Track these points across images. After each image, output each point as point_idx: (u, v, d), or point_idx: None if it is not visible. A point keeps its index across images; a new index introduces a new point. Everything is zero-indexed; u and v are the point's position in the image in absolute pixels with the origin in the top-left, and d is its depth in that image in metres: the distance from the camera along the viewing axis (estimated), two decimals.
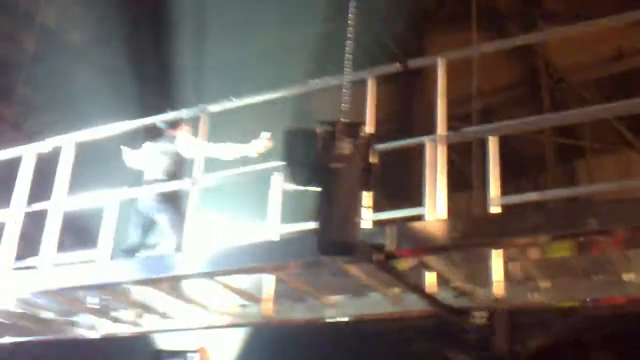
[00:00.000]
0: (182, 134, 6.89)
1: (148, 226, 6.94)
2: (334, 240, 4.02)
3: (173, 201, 6.71)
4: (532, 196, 5.21)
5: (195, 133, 6.50)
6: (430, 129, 5.23)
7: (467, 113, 8.07)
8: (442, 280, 5.24)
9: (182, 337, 7.10)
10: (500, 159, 5.04)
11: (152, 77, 11.77)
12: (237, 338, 7.68)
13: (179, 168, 6.83)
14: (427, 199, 5.08)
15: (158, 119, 6.54)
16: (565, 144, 9.68)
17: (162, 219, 6.76)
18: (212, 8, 10.96)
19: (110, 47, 12.85)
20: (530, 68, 10.71)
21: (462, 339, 8.67)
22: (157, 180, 6.78)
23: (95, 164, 8.24)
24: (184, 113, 6.43)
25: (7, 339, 7.81)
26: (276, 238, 5.83)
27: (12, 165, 6.89)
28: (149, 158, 7.04)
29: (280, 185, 5.85)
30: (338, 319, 6.15)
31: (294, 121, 4.57)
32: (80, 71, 12.90)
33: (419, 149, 5.25)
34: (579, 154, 9.69)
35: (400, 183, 5.41)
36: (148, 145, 7.10)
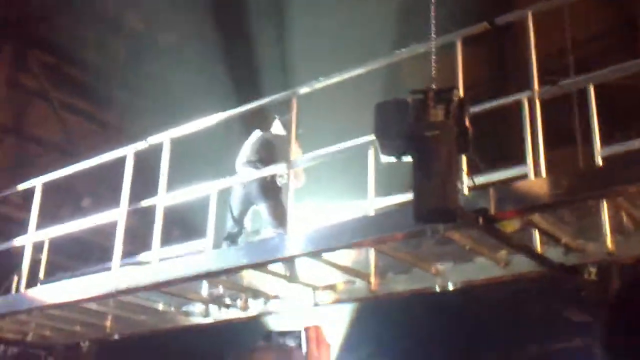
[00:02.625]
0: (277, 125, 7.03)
1: (245, 213, 7.06)
2: (434, 208, 3.96)
3: (272, 187, 6.80)
4: (636, 144, 4.98)
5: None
6: (525, 87, 5.10)
7: (562, 66, 7.79)
8: (550, 239, 5.11)
9: (292, 318, 7.18)
10: (602, 110, 4.87)
11: (244, 68, 11.90)
12: (345, 314, 7.73)
13: (274, 155, 6.91)
14: (528, 158, 4.97)
15: (252, 107, 6.60)
16: None
17: (263, 206, 6.87)
18: None
19: (198, 44, 13.05)
20: (625, 15, 10.26)
21: (579, 296, 8.44)
22: (254, 166, 6.90)
23: (194, 158, 8.43)
24: (275, 98, 6.47)
25: (123, 333, 8.11)
26: (374, 212, 5.83)
27: (117, 169, 7.11)
28: (250, 144, 7.17)
29: (375, 159, 5.84)
30: (445, 288, 6.09)
31: (385, 94, 4.49)
32: (172, 71, 13.18)
33: (517, 109, 5.13)
34: None
35: (499, 145, 5.27)
36: (259, 134, 7.25)
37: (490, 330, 8.92)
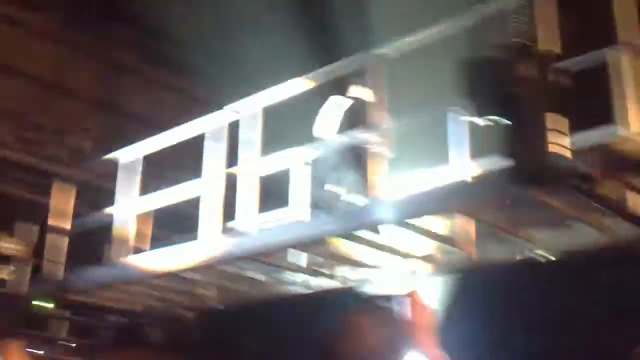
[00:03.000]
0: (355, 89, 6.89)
1: (336, 181, 6.99)
2: (529, 171, 3.80)
3: (360, 152, 6.70)
4: None
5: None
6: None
7: None
8: None
9: (390, 287, 7.12)
10: None
11: (323, 30, 11.77)
12: (438, 284, 7.60)
13: (360, 120, 6.81)
14: (624, 115, 4.71)
15: (332, 69, 6.50)
16: None
17: (352, 173, 6.77)
18: None
19: (281, 9, 12.98)
20: None
21: None
22: (339, 131, 6.81)
23: (283, 126, 8.41)
24: (355, 60, 6.36)
25: (220, 305, 8.26)
26: (468, 178, 5.67)
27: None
28: (331, 110, 7.08)
29: (462, 122, 5.67)
30: (542, 256, 5.89)
31: (469, 52, 4.32)
32: (258, 40, 13.17)
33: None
34: None
35: (590, 104, 4.98)
36: (336, 99, 7.16)
37: (589, 300, 8.59)
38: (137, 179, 7.95)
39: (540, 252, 5.83)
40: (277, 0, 12.83)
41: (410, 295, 1.97)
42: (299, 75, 6.69)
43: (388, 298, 1.99)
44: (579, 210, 5.14)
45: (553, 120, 4.00)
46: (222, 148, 6.93)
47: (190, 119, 7.52)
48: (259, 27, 13.44)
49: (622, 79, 4.50)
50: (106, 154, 8.76)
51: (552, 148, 3.85)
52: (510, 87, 3.78)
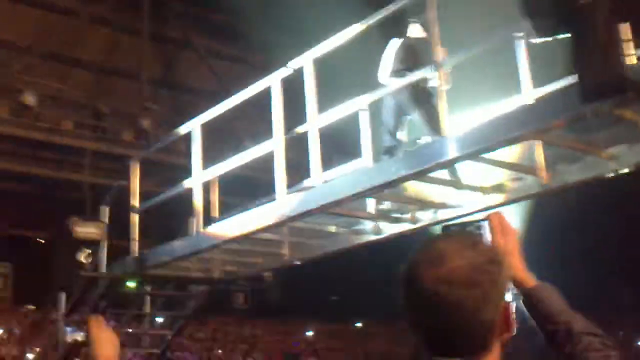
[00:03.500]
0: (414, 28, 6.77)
1: (399, 125, 6.94)
2: (602, 81, 3.68)
3: (423, 93, 6.63)
4: None
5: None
6: None
7: None
8: None
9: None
10: None
11: None
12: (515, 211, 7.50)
13: (419, 59, 6.72)
14: None
15: (386, 13, 6.37)
16: None
17: (416, 114, 6.72)
18: None
19: None
20: None
21: None
22: (400, 75, 6.74)
23: (339, 79, 8.34)
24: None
25: (301, 258, 8.33)
26: (531, 101, 5.55)
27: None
28: (390, 54, 7.00)
29: (524, 44, 5.53)
30: (620, 172, 5.73)
31: None
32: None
33: None
34: None
35: None
36: (402, 41, 7.05)
37: None
38: (199, 149, 7.96)
39: (615, 168, 5.66)
40: None
41: (492, 217, 1.91)
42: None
43: (468, 223, 1.93)
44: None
45: (620, 28, 3.87)
46: (279, 107, 6.89)
47: (246, 86, 7.50)
48: None
49: None
50: (169, 130, 8.84)
51: (622, 56, 3.72)
52: (574, 0, 3.65)
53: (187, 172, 8.35)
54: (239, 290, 9.56)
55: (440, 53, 5.80)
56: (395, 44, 7.10)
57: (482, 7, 6.31)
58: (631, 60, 4.20)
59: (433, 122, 6.45)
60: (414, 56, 6.78)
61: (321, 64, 6.66)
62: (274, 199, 6.90)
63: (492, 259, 1.71)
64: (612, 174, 5.76)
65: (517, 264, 1.92)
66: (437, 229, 7.41)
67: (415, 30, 7.12)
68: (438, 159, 5.71)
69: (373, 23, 6.32)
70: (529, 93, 5.64)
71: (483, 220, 1.99)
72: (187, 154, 13.40)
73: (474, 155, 5.67)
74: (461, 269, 1.65)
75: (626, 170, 5.69)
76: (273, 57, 14.70)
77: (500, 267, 1.70)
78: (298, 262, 8.31)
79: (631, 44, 4.25)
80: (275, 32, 13.89)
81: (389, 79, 6.93)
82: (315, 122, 6.59)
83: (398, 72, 6.86)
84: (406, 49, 6.92)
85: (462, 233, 1.91)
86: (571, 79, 5.65)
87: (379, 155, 6.79)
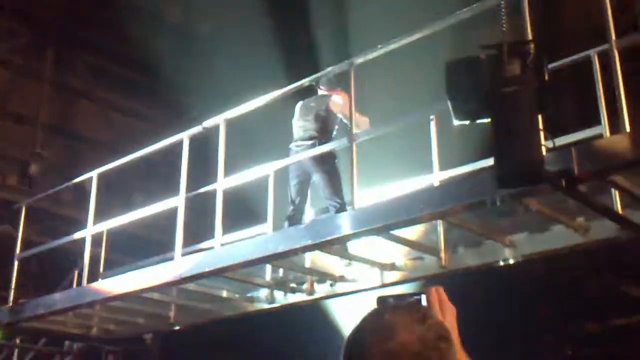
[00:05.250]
0: (338, 94, 6.76)
1: (304, 189, 6.85)
2: (517, 170, 3.74)
3: (330, 159, 6.59)
4: None
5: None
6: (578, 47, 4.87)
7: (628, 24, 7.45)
8: (634, 200, 4.84)
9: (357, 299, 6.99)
10: None
11: (293, 47, 11.73)
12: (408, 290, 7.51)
13: (329, 126, 6.72)
14: (603, 115, 4.77)
15: (304, 81, 6.39)
16: None
17: (318, 177, 6.64)
18: None
19: (236, 30, 12.93)
20: None
21: (637, 270, 8.14)
22: (311, 138, 6.68)
23: (249, 142, 8.27)
24: (332, 70, 6.27)
25: (187, 323, 8.03)
26: (439, 183, 5.64)
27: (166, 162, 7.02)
28: (300, 116, 6.95)
29: (436, 128, 5.65)
30: (518, 259, 5.84)
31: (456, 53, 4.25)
32: (215, 61, 13.08)
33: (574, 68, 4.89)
34: None
35: (575, 104, 5.03)
36: (300, 104, 7.02)
37: (546, 306, 8.67)
38: (94, 201, 7.64)
39: (514, 255, 5.78)
40: (234, 21, 12.75)
41: (430, 292, 1.84)
42: (261, 93, 6.55)
43: (405, 296, 1.85)
44: (556, 211, 5.14)
45: (539, 119, 3.96)
46: (186, 164, 6.73)
47: (143, 141, 7.33)
48: (218, 48, 13.33)
49: (611, 77, 4.48)
50: (60, 178, 8.50)
51: (538, 147, 3.79)
52: (497, 84, 3.72)
53: (70, 222, 8.01)
54: (112, 351, 9.13)
55: (362, 124, 5.80)
56: (300, 107, 7.00)
57: (402, 82, 6.41)
58: (543, 151, 4.33)
59: (333, 186, 6.42)
60: (326, 123, 6.74)
61: (235, 124, 6.58)
62: (168, 259, 6.65)
63: (441, 335, 1.63)
64: (511, 261, 5.86)
65: (456, 338, 1.85)
66: (332, 302, 7.36)
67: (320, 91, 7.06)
68: (340, 233, 5.65)
69: (290, 90, 6.31)
70: (437, 174, 5.73)
71: (420, 293, 1.91)
72: (73, 204, 12.95)
73: (376, 231, 5.64)
74: (411, 344, 1.56)
75: (515, 261, 5.82)
76: (173, 114, 14.58)
77: (449, 345, 1.63)
78: (178, 327, 8.01)
79: (547, 134, 4.40)
80: (177, 89, 13.77)
81: (296, 147, 6.84)
82: (222, 183, 6.44)
83: (305, 140, 6.77)
84: (322, 113, 6.83)
85: (409, 306, 1.82)
86: (480, 163, 5.85)
87: (281, 223, 6.69)
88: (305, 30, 11.57)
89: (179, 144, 6.84)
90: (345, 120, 6.55)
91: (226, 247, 6.36)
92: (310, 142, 6.62)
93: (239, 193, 6.75)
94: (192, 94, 13.02)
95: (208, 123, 6.68)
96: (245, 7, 12.88)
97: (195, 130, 6.73)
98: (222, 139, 6.47)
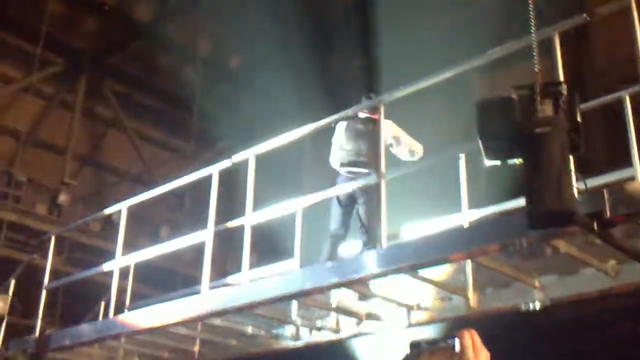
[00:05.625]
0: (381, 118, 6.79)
1: (349, 212, 6.80)
2: (551, 211, 3.69)
3: (372, 190, 6.52)
4: None
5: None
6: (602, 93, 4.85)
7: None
8: None
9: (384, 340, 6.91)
10: None
11: (322, 83, 11.81)
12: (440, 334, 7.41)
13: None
14: (635, 157, 4.72)
15: (333, 119, 6.41)
16: None
17: (361, 201, 6.63)
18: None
19: (269, 65, 13.05)
20: None
21: None
22: (365, 164, 6.69)
23: (275, 176, 8.28)
24: (361, 105, 6.29)
25: (212, 358, 7.98)
26: (469, 223, 5.59)
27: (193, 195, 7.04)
28: (349, 139, 6.93)
29: (466, 167, 5.63)
30: (547, 302, 5.75)
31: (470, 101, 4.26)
32: (244, 96, 13.21)
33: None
34: None
35: (608, 145, 5.00)
36: (344, 125, 7.02)
37: (578, 351, 8.50)
38: (123, 233, 7.67)
39: (544, 298, 5.69)
40: (264, 57, 12.88)
41: (464, 335, 1.80)
42: (288, 129, 6.58)
43: (439, 340, 1.82)
44: (587, 253, 5.07)
45: (571, 160, 3.93)
46: (215, 198, 6.74)
47: (178, 175, 7.36)
48: (248, 82, 13.47)
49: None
50: (90, 209, 8.59)
51: (570, 188, 3.76)
52: (529, 125, 3.70)
53: (96, 253, 8.05)
54: None
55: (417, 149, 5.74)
56: (360, 128, 6.94)
57: (434, 119, 6.41)
58: (575, 191, 4.28)
59: (371, 218, 6.38)
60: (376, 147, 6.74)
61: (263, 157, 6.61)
62: (195, 292, 6.63)
63: None
64: (538, 305, 5.77)
65: None
66: (358, 341, 7.28)
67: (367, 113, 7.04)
68: (366, 272, 5.61)
69: (319, 127, 6.33)
70: (465, 213, 5.69)
71: (453, 337, 1.88)
72: (100, 235, 13.02)
73: (404, 271, 5.59)
74: None
75: (548, 304, 5.72)
76: (201, 145, 14.69)
77: None
78: None
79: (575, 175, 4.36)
80: (205, 120, 13.89)
81: (348, 171, 6.84)
82: (250, 218, 6.44)
83: (356, 162, 6.77)
84: (369, 137, 6.77)
85: (443, 350, 1.79)
86: (509, 204, 5.80)
87: (308, 260, 6.65)
88: (333, 66, 11.66)
89: (207, 177, 6.87)
90: (393, 146, 6.57)
91: (253, 283, 6.34)
92: (365, 170, 6.65)
93: (267, 227, 6.74)
94: (220, 126, 13.14)
95: (237, 157, 6.70)
96: (275, 42, 13.03)
97: (224, 164, 6.75)
98: (251, 174, 6.48)
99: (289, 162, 8.82)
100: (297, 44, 12.61)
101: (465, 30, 8.63)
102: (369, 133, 6.76)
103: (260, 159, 6.62)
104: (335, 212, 6.84)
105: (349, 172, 6.79)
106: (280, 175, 9.41)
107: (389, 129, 6.65)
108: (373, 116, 6.76)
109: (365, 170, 6.69)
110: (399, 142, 6.64)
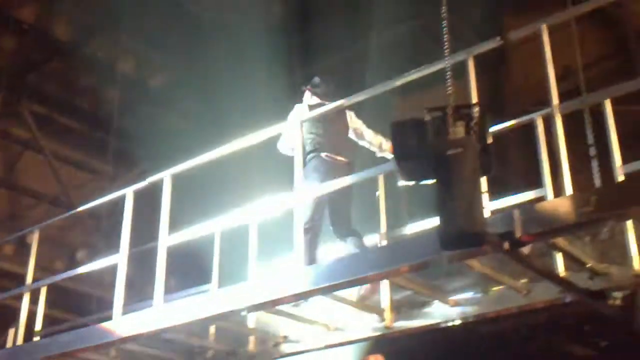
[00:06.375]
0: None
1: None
2: (462, 232, 3.74)
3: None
4: None
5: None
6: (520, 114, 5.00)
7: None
8: (575, 263, 4.89)
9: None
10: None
11: (245, 103, 11.76)
12: (349, 353, 7.40)
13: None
14: (545, 177, 4.85)
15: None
16: None
17: (347, 207, 6.49)
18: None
19: (188, 86, 12.96)
20: (621, 38, 10.22)
21: (581, 330, 8.23)
22: (346, 157, 6.55)
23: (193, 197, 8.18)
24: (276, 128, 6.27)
25: None
26: (386, 242, 5.63)
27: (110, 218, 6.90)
28: (327, 125, 6.58)
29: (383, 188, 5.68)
30: (462, 320, 5.83)
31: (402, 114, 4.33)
32: (166, 115, 13.05)
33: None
34: None
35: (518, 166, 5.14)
36: (308, 110, 6.69)
37: None
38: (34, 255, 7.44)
39: (459, 316, 5.76)
40: (186, 77, 12.77)
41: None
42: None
43: None
44: (499, 273, 5.16)
45: (481, 181, 4.00)
46: (128, 220, 6.61)
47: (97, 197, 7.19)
48: (169, 103, 13.30)
49: (551, 141, 4.59)
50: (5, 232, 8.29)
51: (482, 208, 3.82)
52: (441, 146, 3.75)
53: (10, 277, 7.78)
54: None
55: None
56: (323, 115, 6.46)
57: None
58: (486, 213, 4.37)
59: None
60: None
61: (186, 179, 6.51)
62: (108, 318, 6.46)
63: None
64: (455, 322, 5.84)
65: None
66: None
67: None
68: (282, 294, 5.57)
69: (238, 147, 6.29)
70: (384, 233, 5.74)
71: None
72: (15, 259, 12.59)
73: (321, 292, 5.58)
74: None
75: (465, 320, 5.80)
76: (120, 166, 14.41)
77: None
78: None
79: (486, 197, 4.45)
80: (125, 141, 13.65)
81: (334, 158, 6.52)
82: (165, 240, 6.32)
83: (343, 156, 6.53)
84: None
85: None
86: (425, 224, 5.87)
87: (225, 281, 6.55)
88: (258, 85, 11.65)
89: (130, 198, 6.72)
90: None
91: (167, 307, 6.21)
92: (347, 162, 6.48)
93: (193, 248, 6.63)
94: (142, 147, 12.91)
95: (153, 178, 6.59)
96: (198, 61, 12.94)
97: (139, 185, 6.63)
98: (167, 195, 6.38)
99: (213, 183, 8.73)
100: (220, 64, 12.56)
101: (388, 51, 8.78)
102: (342, 124, 6.59)
103: (185, 180, 6.52)
104: (314, 199, 6.23)
105: (335, 160, 6.47)
106: (205, 196, 9.29)
107: (354, 119, 6.61)
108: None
109: (344, 160, 6.52)
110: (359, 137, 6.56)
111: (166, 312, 6.15)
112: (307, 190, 5.98)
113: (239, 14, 12.35)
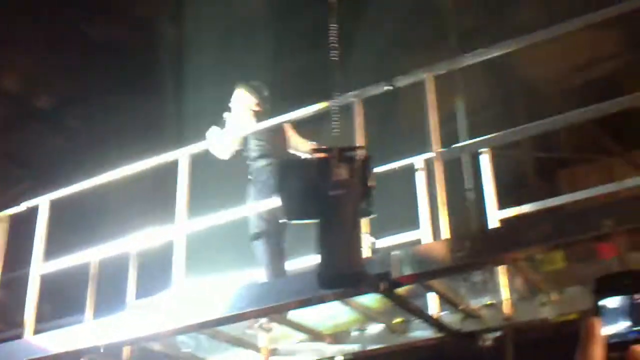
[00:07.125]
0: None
1: None
2: (339, 272, 3.78)
3: None
4: (532, 206, 5.02)
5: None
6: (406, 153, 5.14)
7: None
8: (448, 304, 5.04)
9: None
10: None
11: (132, 128, 11.47)
12: None
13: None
14: (423, 220, 4.98)
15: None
16: (545, 158, 9.53)
17: None
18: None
19: (80, 107, 12.58)
20: (505, 84, 10.62)
21: None
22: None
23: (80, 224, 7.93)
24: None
25: None
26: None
27: None
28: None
29: None
30: (345, 356, 5.87)
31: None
32: (52, 135, 12.59)
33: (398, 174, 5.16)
34: (560, 165, 9.51)
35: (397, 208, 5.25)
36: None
37: None
38: None
39: (337, 352, 5.81)
40: (74, 98, 12.39)
41: None
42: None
43: None
44: (376, 311, 5.25)
45: (361, 222, 4.07)
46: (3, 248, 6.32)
47: None
48: (55, 123, 12.85)
49: (430, 185, 4.72)
50: None
51: (361, 249, 3.88)
52: (324, 187, 3.79)
53: None
54: None
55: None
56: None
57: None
58: (366, 253, 4.45)
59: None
60: None
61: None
62: None
63: None
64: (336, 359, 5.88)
65: None
66: None
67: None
68: (156, 329, 5.44)
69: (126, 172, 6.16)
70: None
71: None
72: None
73: (197, 329, 5.52)
74: None
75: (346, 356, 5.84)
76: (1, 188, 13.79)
77: None
78: None
79: (366, 237, 4.54)
80: (8, 161, 13.10)
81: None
82: (38, 268, 6.08)
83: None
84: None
85: None
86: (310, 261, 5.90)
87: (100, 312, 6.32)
88: (146, 109, 11.44)
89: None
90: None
91: (39, 337, 5.96)
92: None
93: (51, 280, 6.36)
94: (23, 167, 12.41)
95: (30, 203, 6.34)
96: (90, 80, 12.59)
97: (16, 209, 6.37)
98: (44, 221, 6.15)
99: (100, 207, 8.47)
100: (115, 82, 12.27)
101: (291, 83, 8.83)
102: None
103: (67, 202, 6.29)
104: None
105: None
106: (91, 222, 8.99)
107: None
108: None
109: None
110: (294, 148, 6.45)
111: (36, 343, 5.89)
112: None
113: (130, 37, 12.14)
